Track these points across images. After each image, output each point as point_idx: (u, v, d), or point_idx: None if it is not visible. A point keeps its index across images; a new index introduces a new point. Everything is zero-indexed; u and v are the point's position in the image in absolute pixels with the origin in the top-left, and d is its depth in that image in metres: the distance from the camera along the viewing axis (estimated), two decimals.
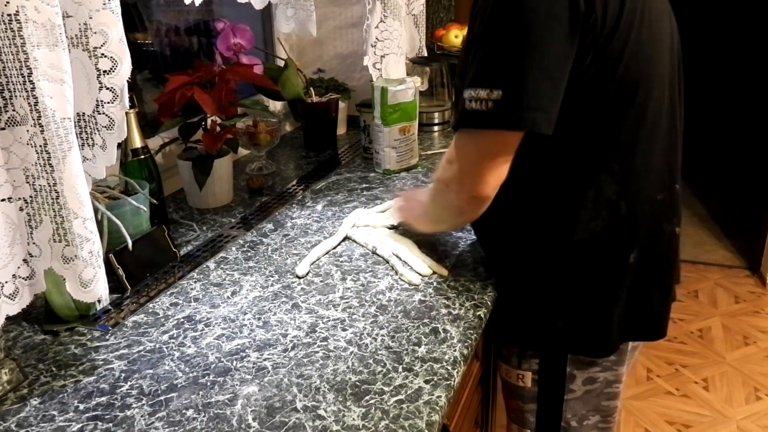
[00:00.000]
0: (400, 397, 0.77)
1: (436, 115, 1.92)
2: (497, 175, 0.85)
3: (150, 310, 0.97)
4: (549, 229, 0.94)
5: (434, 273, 1.05)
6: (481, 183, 0.85)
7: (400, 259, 1.09)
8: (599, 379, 1.01)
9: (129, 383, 0.80)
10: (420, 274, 1.04)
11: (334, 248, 1.16)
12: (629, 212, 0.92)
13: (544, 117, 0.80)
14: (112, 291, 0.99)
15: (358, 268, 1.09)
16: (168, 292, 1.02)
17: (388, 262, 1.09)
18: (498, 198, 0.90)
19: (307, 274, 1.06)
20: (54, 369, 0.84)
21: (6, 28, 0.67)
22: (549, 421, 1.04)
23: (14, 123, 0.70)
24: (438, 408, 0.75)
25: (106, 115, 0.80)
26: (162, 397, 0.78)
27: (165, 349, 0.87)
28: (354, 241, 1.18)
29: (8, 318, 0.75)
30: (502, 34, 0.80)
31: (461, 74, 0.88)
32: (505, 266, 1.02)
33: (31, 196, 0.74)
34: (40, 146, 0.71)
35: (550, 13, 0.78)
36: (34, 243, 0.76)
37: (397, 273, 1.05)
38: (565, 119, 0.84)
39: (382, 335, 0.89)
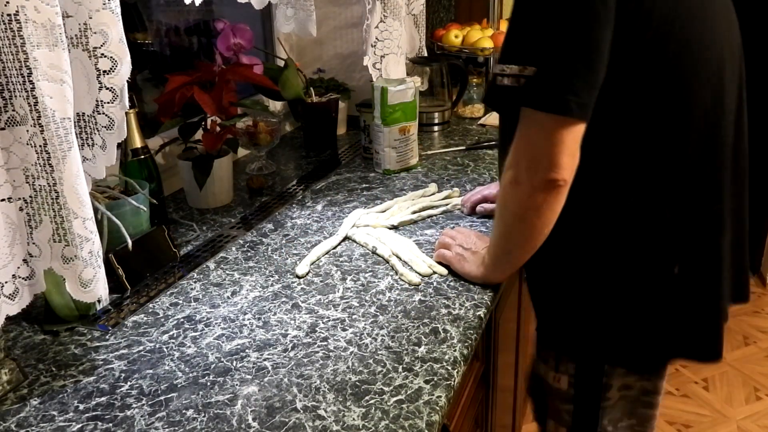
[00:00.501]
0: (400, 397, 0.77)
1: (436, 115, 1.92)
2: (570, 155, 0.80)
3: (150, 310, 0.97)
4: (599, 237, 0.90)
5: (434, 273, 1.05)
6: (553, 164, 0.79)
7: (400, 259, 1.09)
8: (635, 387, 0.99)
9: (129, 383, 0.80)
10: (420, 274, 1.04)
11: (334, 248, 1.16)
12: (674, 223, 0.89)
13: (576, 101, 0.77)
14: (112, 291, 0.99)
15: (358, 268, 1.09)
16: (168, 292, 1.02)
17: (388, 262, 1.09)
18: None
19: (307, 273, 1.06)
20: (54, 369, 0.84)
21: (6, 28, 0.67)
22: (585, 423, 1.02)
23: (14, 123, 0.70)
24: (438, 408, 0.75)
25: (106, 115, 0.80)
26: (162, 397, 0.78)
27: (165, 349, 0.87)
28: (354, 241, 1.18)
29: (8, 318, 0.75)
30: (541, 11, 0.78)
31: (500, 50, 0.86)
32: (547, 270, 0.98)
33: (30, 196, 0.74)
34: (40, 146, 0.71)
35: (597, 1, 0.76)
36: (34, 243, 0.76)
37: (397, 273, 1.05)
38: (614, 115, 0.83)
39: (382, 335, 0.89)
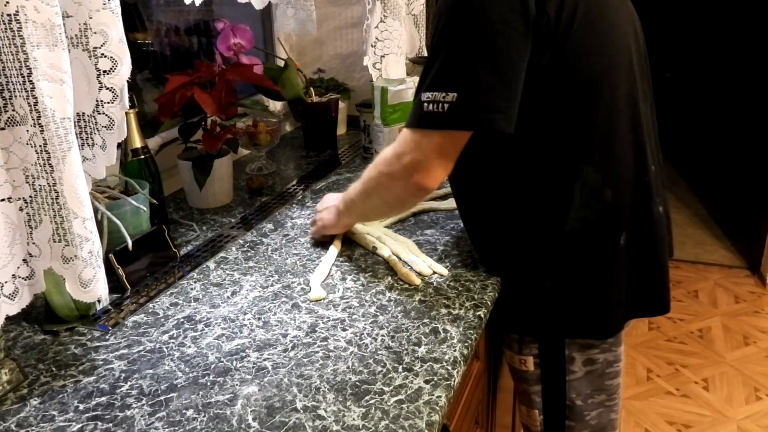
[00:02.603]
0: (400, 397, 0.77)
1: None
2: (444, 171, 0.91)
3: (150, 310, 0.97)
4: (541, 222, 0.97)
5: (434, 273, 1.05)
6: (431, 177, 0.91)
7: (400, 259, 1.09)
8: (599, 360, 1.05)
9: (129, 383, 0.80)
10: (420, 274, 1.04)
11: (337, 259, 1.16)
12: (614, 198, 0.96)
13: (501, 117, 0.85)
14: (112, 291, 0.99)
15: (358, 268, 1.09)
16: (168, 292, 1.02)
17: (388, 263, 1.09)
18: (489, 194, 0.97)
19: (325, 297, 1.00)
20: (54, 369, 0.84)
21: (6, 28, 0.67)
22: (554, 401, 1.08)
23: (14, 123, 0.70)
24: (438, 408, 0.75)
25: (106, 115, 0.80)
26: (162, 397, 0.78)
27: (165, 349, 0.87)
28: (354, 241, 1.18)
29: (8, 318, 0.75)
30: (457, 39, 0.85)
31: (421, 77, 0.92)
32: (499, 258, 1.05)
33: (30, 196, 0.74)
34: (40, 146, 0.71)
35: (503, 19, 0.83)
36: (33, 243, 0.76)
37: (397, 273, 1.05)
38: (540, 118, 0.91)
39: (382, 335, 0.89)
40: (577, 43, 0.88)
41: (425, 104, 0.87)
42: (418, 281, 1.02)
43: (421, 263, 1.06)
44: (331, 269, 1.08)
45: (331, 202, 1.16)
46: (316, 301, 0.98)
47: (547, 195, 0.96)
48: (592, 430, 1.09)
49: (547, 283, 0.99)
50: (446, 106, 0.85)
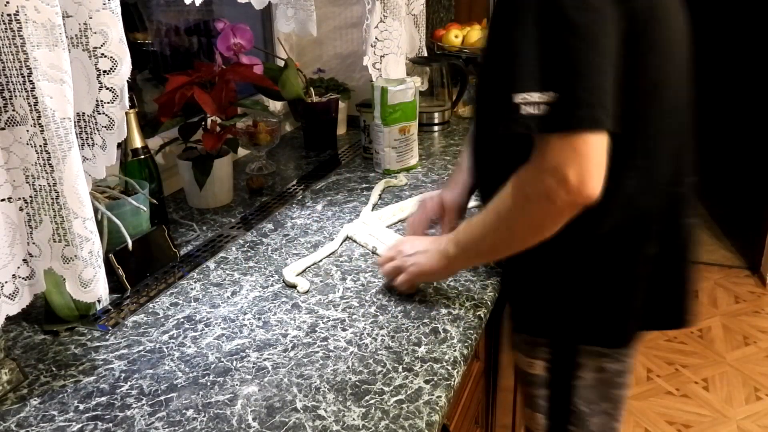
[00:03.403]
0: (400, 397, 0.77)
1: (436, 115, 1.92)
2: (600, 173, 0.80)
3: (150, 310, 0.97)
4: (577, 223, 0.88)
5: None
6: (592, 184, 0.80)
7: None
8: (609, 369, 1.02)
9: (129, 383, 0.80)
10: None
11: (326, 257, 1.16)
12: (647, 206, 0.92)
13: (604, 113, 0.78)
14: (112, 291, 0.99)
15: (358, 268, 1.09)
16: (168, 292, 1.02)
17: None
18: None
19: (296, 286, 1.03)
20: (54, 369, 0.84)
21: (6, 28, 0.67)
22: (559, 407, 1.06)
23: (14, 123, 0.70)
24: (438, 408, 0.75)
25: (106, 115, 0.80)
26: (162, 397, 0.78)
27: (165, 349, 0.87)
28: (354, 241, 1.18)
29: (8, 318, 0.75)
30: (548, 32, 0.77)
31: (495, 78, 0.84)
32: (520, 257, 0.96)
33: (31, 196, 0.74)
34: (40, 146, 0.71)
35: (592, 6, 0.77)
36: (34, 243, 0.76)
37: None
38: None
39: (382, 335, 0.89)
40: (643, 43, 0.83)
41: (522, 107, 0.78)
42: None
43: None
44: (321, 264, 1.08)
45: (424, 245, 0.99)
46: (290, 286, 1.02)
47: None
48: None
49: (563, 281, 0.96)
50: (543, 107, 0.77)
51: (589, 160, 0.79)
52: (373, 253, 1.13)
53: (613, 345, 1.00)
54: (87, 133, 0.81)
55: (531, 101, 0.77)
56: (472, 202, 1.17)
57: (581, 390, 1.03)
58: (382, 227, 1.21)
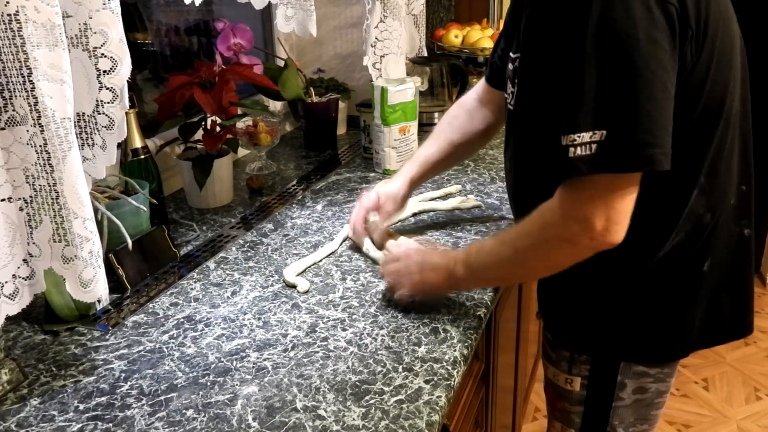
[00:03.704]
0: (400, 397, 0.77)
1: (436, 115, 1.92)
2: (621, 217, 0.78)
3: (150, 310, 0.97)
4: (636, 246, 0.87)
5: None
6: (611, 229, 0.78)
7: None
8: (650, 390, 0.99)
9: (129, 383, 0.80)
10: None
11: (328, 256, 1.16)
12: (712, 222, 0.89)
13: (660, 152, 0.74)
14: (112, 291, 0.99)
15: (358, 268, 1.09)
16: (168, 292, 1.02)
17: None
18: None
19: (295, 286, 1.03)
20: (54, 369, 0.84)
21: (6, 28, 0.67)
22: (595, 425, 1.02)
23: (14, 123, 0.70)
24: (438, 408, 0.75)
25: (106, 115, 0.80)
26: (162, 397, 0.78)
27: (165, 349, 0.87)
28: (354, 241, 1.18)
29: (8, 318, 0.75)
30: (602, 66, 0.73)
31: (555, 116, 0.79)
32: (567, 276, 0.90)
33: (31, 196, 0.74)
34: (40, 146, 0.71)
35: (651, 38, 0.72)
36: (34, 243, 0.76)
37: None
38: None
39: (382, 335, 0.89)
40: (705, 58, 0.79)
41: (571, 149, 0.75)
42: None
43: None
44: (321, 264, 1.08)
45: (435, 261, 0.96)
46: (290, 286, 1.02)
47: (650, 220, 0.86)
48: None
49: (613, 298, 0.92)
50: (594, 146, 0.73)
51: (616, 210, 0.77)
52: (366, 255, 1.12)
53: (662, 360, 0.97)
54: (87, 133, 0.81)
55: (579, 142, 0.75)
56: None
57: (620, 410, 0.99)
58: (381, 228, 1.21)
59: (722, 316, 0.96)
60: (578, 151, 0.75)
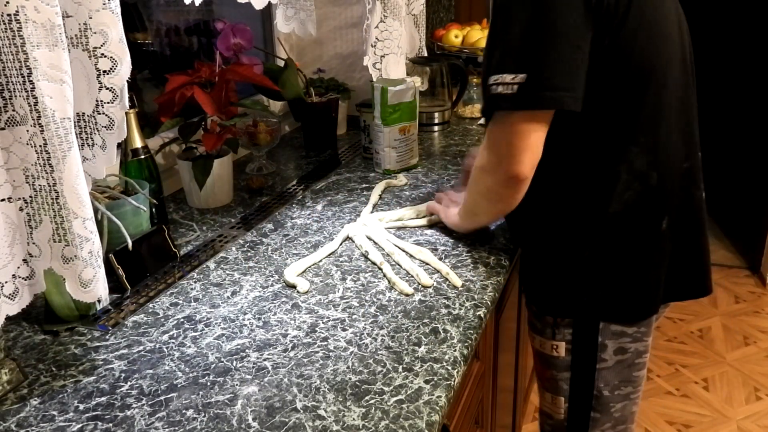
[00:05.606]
0: (400, 397, 0.77)
1: (436, 115, 1.92)
2: (532, 154, 0.90)
3: (150, 310, 0.97)
4: (584, 203, 0.99)
5: (432, 284, 1.03)
6: (517, 163, 0.91)
7: (395, 265, 1.08)
8: (630, 349, 1.06)
9: (129, 383, 0.80)
10: (424, 285, 1.01)
11: (326, 257, 1.16)
12: (659, 182, 0.98)
13: (568, 95, 0.87)
14: (112, 291, 0.99)
15: (358, 268, 1.09)
16: (168, 292, 1.02)
17: (381, 269, 1.07)
18: (537, 175, 0.96)
19: (295, 286, 1.03)
20: (54, 369, 0.84)
21: (6, 28, 0.67)
22: (582, 389, 1.09)
23: (14, 123, 0.70)
24: (438, 408, 0.75)
25: (106, 115, 0.80)
26: (162, 397, 0.78)
27: (165, 349, 0.87)
28: (353, 241, 1.18)
29: (8, 318, 0.75)
30: (521, 21, 0.87)
31: (484, 63, 0.95)
32: (538, 240, 1.07)
33: (30, 196, 0.74)
34: (40, 146, 0.71)
35: (566, 3, 0.86)
36: (33, 243, 0.76)
37: (389, 281, 1.03)
38: (592, 99, 0.91)
39: (382, 335, 0.89)
40: (632, 27, 0.90)
41: (493, 87, 0.89)
42: (410, 291, 0.99)
43: (423, 274, 1.02)
44: (321, 264, 1.08)
45: (452, 211, 1.18)
46: (290, 286, 1.03)
47: (592, 175, 0.97)
48: (615, 422, 1.10)
49: (583, 261, 1.01)
50: (515, 87, 0.86)
51: (526, 143, 0.90)
52: (365, 257, 1.12)
53: (635, 318, 1.04)
54: (87, 133, 0.81)
55: (503, 82, 0.88)
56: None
57: (604, 372, 1.06)
58: (381, 229, 1.21)
59: (683, 274, 1.07)
60: (500, 89, 0.88)
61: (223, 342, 0.89)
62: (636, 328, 1.04)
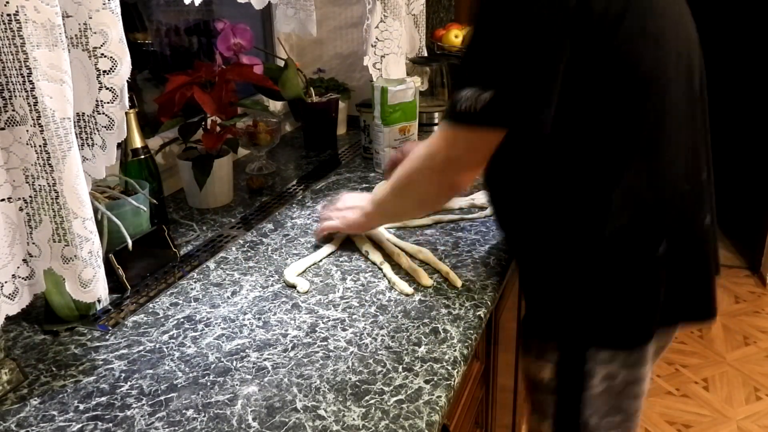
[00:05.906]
0: (400, 397, 0.77)
1: (436, 115, 1.92)
2: (479, 169, 0.93)
3: (150, 310, 0.97)
4: (579, 224, 0.94)
5: (432, 284, 1.03)
6: (465, 175, 0.92)
7: (395, 266, 1.07)
8: (619, 376, 1.00)
9: (129, 383, 0.80)
10: (424, 286, 1.01)
11: (326, 257, 1.15)
12: (656, 204, 0.93)
13: (535, 116, 0.84)
14: (112, 291, 0.99)
15: (358, 268, 1.09)
16: (168, 292, 1.02)
17: (381, 270, 1.07)
18: (525, 195, 0.96)
19: (295, 286, 1.03)
20: (54, 369, 0.84)
21: (6, 28, 0.67)
22: (568, 414, 1.04)
23: (14, 123, 0.70)
24: (438, 408, 0.75)
25: (106, 115, 0.81)
26: (162, 397, 0.78)
27: (165, 349, 0.87)
28: (353, 242, 1.18)
29: (8, 318, 0.75)
30: (493, 36, 0.84)
31: (459, 73, 0.92)
32: (529, 259, 1.03)
33: (30, 196, 0.74)
34: (40, 146, 0.71)
35: (539, 16, 0.81)
36: (33, 243, 0.76)
37: (389, 281, 1.03)
38: (587, 118, 0.87)
39: (382, 335, 0.89)
40: (626, 37, 0.85)
41: (460, 101, 0.86)
42: (410, 291, 0.99)
43: (424, 275, 1.03)
44: (321, 264, 1.08)
45: (356, 202, 1.16)
46: (290, 286, 1.03)
47: (587, 197, 0.92)
48: None
49: (574, 283, 0.96)
50: (480, 104, 0.84)
51: (471, 157, 0.90)
52: (365, 257, 1.12)
53: (626, 345, 0.98)
54: (87, 133, 0.81)
55: (468, 97, 0.86)
56: None
57: (591, 400, 1.00)
58: (381, 228, 1.21)
59: (683, 300, 1.00)
60: (466, 104, 0.85)
61: (223, 342, 0.89)
62: (626, 354, 0.98)
